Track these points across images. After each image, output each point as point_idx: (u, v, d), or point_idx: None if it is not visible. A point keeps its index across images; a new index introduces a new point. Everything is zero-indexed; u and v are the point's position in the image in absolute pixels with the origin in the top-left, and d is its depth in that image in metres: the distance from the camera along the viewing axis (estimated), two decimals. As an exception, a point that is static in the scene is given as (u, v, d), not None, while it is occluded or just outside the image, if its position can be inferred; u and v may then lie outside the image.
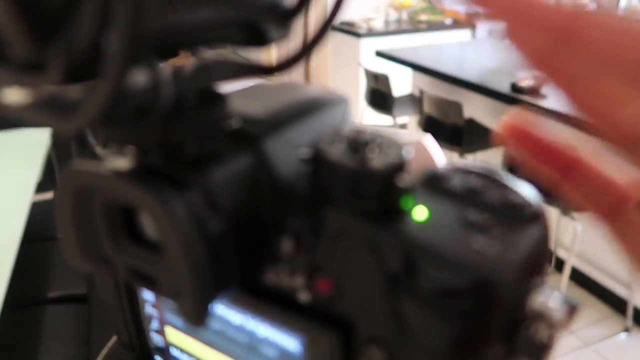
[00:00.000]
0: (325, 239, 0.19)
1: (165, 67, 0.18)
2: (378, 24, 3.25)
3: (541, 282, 0.17)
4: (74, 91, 0.14)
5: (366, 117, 3.15)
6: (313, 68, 3.57)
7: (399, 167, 0.19)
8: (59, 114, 0.14)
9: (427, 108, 2.18)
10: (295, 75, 3.54)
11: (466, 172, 0.21)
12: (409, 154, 0.19)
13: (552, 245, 1.80)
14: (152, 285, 0.20)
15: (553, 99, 1.78)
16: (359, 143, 0.19)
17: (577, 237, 1.70)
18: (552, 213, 1.68)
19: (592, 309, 1.75)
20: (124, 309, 0.25)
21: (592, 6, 0.17)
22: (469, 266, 0.16)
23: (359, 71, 3.08)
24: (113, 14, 0.12)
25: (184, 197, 0.17)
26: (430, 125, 2.15)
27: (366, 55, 3.12)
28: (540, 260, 0.18)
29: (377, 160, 0.18)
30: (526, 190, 0.20)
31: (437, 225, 0.18)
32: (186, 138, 0.18)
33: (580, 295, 1.76)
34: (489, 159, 2.05)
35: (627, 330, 1.64)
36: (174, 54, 0.18)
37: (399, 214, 0.18)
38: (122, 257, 0.20)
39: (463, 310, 0.16)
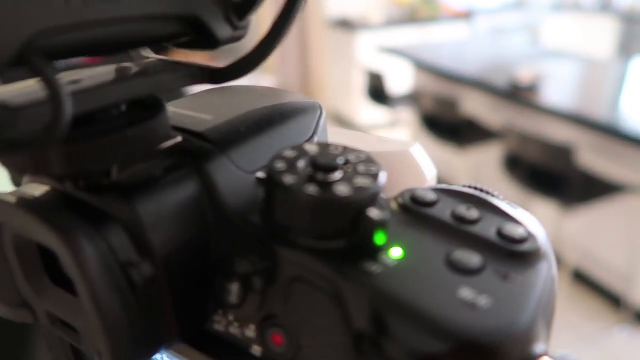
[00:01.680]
0: (279, 284, 0.15)
1: (83, 75, 0.15)
2: (375, 19, 3.20)
3: (545, 347, 0.14)
4: None
5: (364, 113, 3.11)
6: (310, 64, 3.52)
7: (372, 195, 0.15)
8: None
9: (425, 104, 2.14)
10: (291, 72, 3.49)
11: (454, 194, 0.18)
12: (384, 177, 0.16)
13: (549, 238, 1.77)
14: (73, 337, 0.16)
15: (551, 96, 1.75)
16: (324, 163, 0.15)
17: (575, 232, 1.68)
18: (551, 206, 1.65)
19: (587, 302, 1.73)
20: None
21: None
22: (451, 328, 0.13)
23: (357, 66, 3.03)
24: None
25: (99, 236, 0.14)
26: (427, 121, 2.11)
27: (364, 51, 3.08)
28: (545, 316, 0.14)
29: (344, 186, 0.15)
30: (526, 218, 0.17)
31: (414, 269, 0.14)
32: (106, 162, 0.14)
33: (575, 288, 1.73)
34: (487, 155, 2.01)
35: (622, 324, 1.62)
36: (87, 56, 0.14)
37: (370, 254, 0.15)
38: (42, 302, 0.17)
39: None
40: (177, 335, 0.16)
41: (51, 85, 0.12)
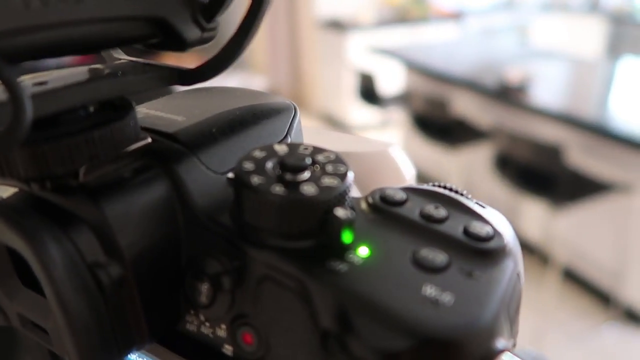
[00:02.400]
0: (249, 284, 0.15)
1: (51, 77, 0.15)
2: (366, 20, 3.21)
3: (510, 342, 0.14)
4: None
5: (355, 114, 3.11)
6: (300, 65, 3.53)
7: (339, 195, 0.15)
8: None
9: (416, 104, 2.14)
10: (282, 73, 3.49)
11: (423, 193, 0.18)
12: (352, 177, 0.16)
13: (539, 237, 1.78)
14: (44, 339, 0.16)
15: (540, 96, 1.76)
16: (292, 164, 0.15)
17: (565, 230, 1.69)
18: (541, 206, 1.66)
19: (576, 300, 1.74)
20: None
21: None
22: (413, 325, 0.13)
23: (348, 67, 3.04)
24: None
25: (66, 237, 0.14)
26: (418, 121, 2.12)
27: (354, 51, 3.08)
28: (509, 312, 0.14)
29: (311, 186, 0.15)
30: (494, 217, 0.17)
31: (381, 268, 0.14)
32: (72, 164, 0.14)
33: (564, 287, 1.74)
34: (478, 154, 2.02)
35: (612, 322, 1.64)
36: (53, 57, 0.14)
37: (337, 254, 0.15)
38: (13, 303, 0.17)
39: None
40: (148, 336, 0.16)
41: (11, 87, 0.12)
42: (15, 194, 0.15)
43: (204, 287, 0.16)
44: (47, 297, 0.14)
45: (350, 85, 2.88)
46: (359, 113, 3.06)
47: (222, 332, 0.16)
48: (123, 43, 0.16)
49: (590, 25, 3.41)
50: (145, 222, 0.16)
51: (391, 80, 2.62)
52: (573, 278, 1.78)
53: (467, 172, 2.16)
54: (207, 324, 0.17)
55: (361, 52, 2.93)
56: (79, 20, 0.13)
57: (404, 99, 2.37)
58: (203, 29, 0.17)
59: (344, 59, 3.16)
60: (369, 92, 2.47)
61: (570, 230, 1.72)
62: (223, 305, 0.16)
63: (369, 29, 3.17)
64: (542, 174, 1.57)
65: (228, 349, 0.16)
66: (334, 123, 3.28)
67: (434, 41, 2.87)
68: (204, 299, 0.16)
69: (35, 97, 0.13)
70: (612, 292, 1.66)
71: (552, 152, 1.55)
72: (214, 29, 0.17)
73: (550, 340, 1.55)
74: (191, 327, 0.17)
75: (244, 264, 0.15)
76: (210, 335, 0.17)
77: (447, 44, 2.72)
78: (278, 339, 0.15)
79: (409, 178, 0.29)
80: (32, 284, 0.17)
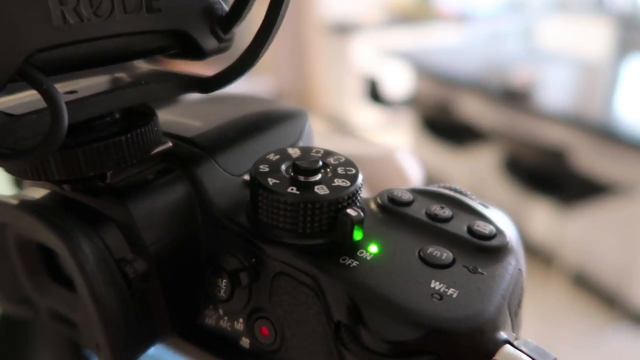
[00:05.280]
0: (265, 280, 0.16)
1: (79, 86, 0.16)
2: (372, 22, 3.22)
3: (513, 335, 0.15)
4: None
5: (361, 116, 3.12)
6: (306, 67, 3.54)
7: (350, 195, 0.16)
8: None
9: (422, 107, 2.15)
10: (288, 75, 3.51)
11: (429, 194, 0.19)
12: (362, 179, 0.17)
13: (546, 239, 1.78)
14: (73, 332, 0.17)
15: (547, 98, 1.76)
16: (305, 166, 0.16)
17: (572, 233, 1.69)
18: (547, 207, 1.66)
19: (584, 302, 1.73)
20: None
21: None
22: (421, 317, 0.14)
23: (354, 69, 3.05)
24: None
25: (96, 235, 0.15)
26: (425, 123, 2.13)
27: (360, 53, 3.09)
28: (512, 306, 0.15)
29: (324, 187, 0.16)
30: (497, 216, 0.18)
31: (389, 264, 0.15)
32: (102, 167, 0.15)
33: (572, 288, 1.74)
34: (485, 157, 2.03)
35: (619, 323, 1.63)
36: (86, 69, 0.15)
37: (348, 251, 0.16)
38: (42, 298, 0.18)
39: None
40: (170, 329, 0.17)
41: (51, 98, 0.13)
42: (47, 195, 0.16)
43: (223, 283, 0.17)
44: (78, 292, 0.15)
45: (355, 88, 2.89)
46: (365, 115, 3.07)
47: (239, 325, 0.17)
48: (146, 54, 0.17)
49: (597, 27, 3.41)
50: (168, 220, 0.17)
51: (397, 82, 2.63)
52: (580, 280, 1.78)
53: (474, 174, 2.16)
54: (226, 317, 0.18)
55: (367, 54, 2.94)
56: (110, 34, 0.14)
57: (410, 102, 2.38)
58: (220, 40, 0.18)
59: (349, 61, 3.17)
60: (375, 95, 2.48)
61: (577, 232, 1.72)
62: (241, 300, 0.17)
63: (374, 31, 3.18)
64: (548, 176, 1.57)
65: (245, 342, 0.17)
66: (340, 125, 3.29)
67: (440, 43, 2.88)
68: (222, 294, 0.17)
69: (69, 105, 0.14)
70: (619, 294, 1.66)
71: (558, 155, 1.55)
72: (230, 39, 0.18)
73: (558, 342, 1.55)
74: (210, 320, 0.18)
75: (260, 261, 0.16)
76: (228, 328, 0.18)
77: (453, 46, 2.73)
78: (293, 331, 0.16)
79: (416, 180, 0.30)
80: (60, 279, 0.18)
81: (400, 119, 2.69)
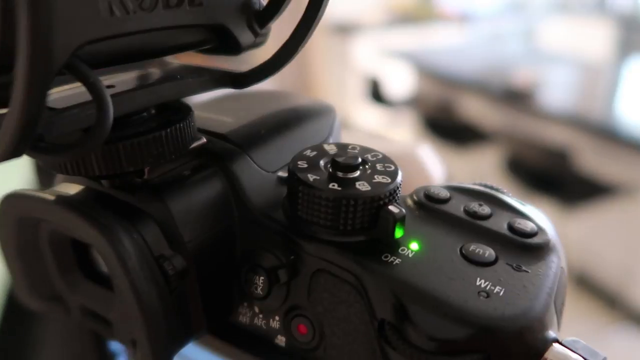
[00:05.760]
0: (303, 277, 0.16)
1: (115, 80, 0.16)
2: (373, 22, 3.22)
3: (556, 334, 0.14)
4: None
5: (362, 116, 3.12)
6: (307, 67, 3.54)
7: (391, 192, 0.16)
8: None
9: (424, 107, 2.15)
10: (289, 75, 3.50)
11: (465, 191, 0.18)
12: (401, 175, 0.17)
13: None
14: (106, 329, 0.17)
15: (549, 99, 1.76)
16: (344, 162, 0.16)
17: (574, 233, 1.69)
18: (550, 209, 1.66)
19: (585, 302, 1.74)
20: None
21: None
22: (470, 315, 0.14)
23: (355, 69, 3.04)
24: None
25: (135, 231, 0.15)
26: (427, 124, 2.13)
27: (361, 53, 3.09)
28: (557, 305, 0.15)
29: (365, 183, 0.16)
30: (536, 214, 0.18)
31: (432, 261, 0.15)
32: (141, 162, 0.15)
33: (574, 288, 1.74)
34: (487, 157, 2.03)
35: (620, 324, 1.63)
36: (127, 63, 0.15)
37: (389, 248, 0.16)
38: (75, 295, 0.18)
39: None
40: (205, 327, 0.17)
41: (97, 91, 0.12)
42: (82, 190, 0.16)
43: (260, 280, 0.16)
44: (117, 287, 0.15)
45: (357, 87, 2.89)
46: (367, 115, 3.06)
47: (275, 323, 0.17)
48: (185, 49, 0.16)
49: (599, 27, 3.41)
50: (205, 217, 0.16)
51: (399, 82, 2.62)
52: (582, 281, 1.78)
53: (476, 174, 2.16)
54: (261, 315, 0.17)
55: (369, 54, 2.93)
56: (153, 28, 0.14)
57: (412, 102, 2.37)
58: (257, 34, 0.17)
59: (351, 60, 3.17)
60: (376, 94, 2.48)
61: (579, 233, 1.72)
62: (278, 297, 0.17)
63: (376, 31, 3.17)
64: (550, 177, 1.57)
65: (281, 340, 0.17)
66: (341, 125, 3.29)
67: (442, 43, 2.88)
68: (259, 291, 0.17)
69: (112, 99, 0.14)
70: (621, 295, 1.66)
71: (560, 155, 1.55)
72: (265, 34, 0.18)
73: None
74: (244, 318, 0.18)
75: (299, 258, 0.16)
76: (264, 326, 0.17)
77: (455, 47, 2.73)
78: (332, 329, 0.16)
79: (438, 177, 0.29)
80: (92, 277, 0.18)
81: (402, 119, 2.69)
